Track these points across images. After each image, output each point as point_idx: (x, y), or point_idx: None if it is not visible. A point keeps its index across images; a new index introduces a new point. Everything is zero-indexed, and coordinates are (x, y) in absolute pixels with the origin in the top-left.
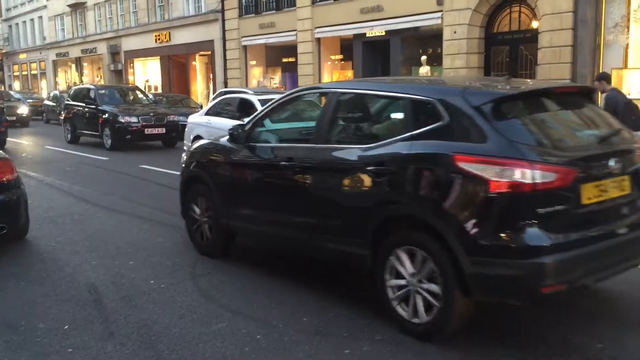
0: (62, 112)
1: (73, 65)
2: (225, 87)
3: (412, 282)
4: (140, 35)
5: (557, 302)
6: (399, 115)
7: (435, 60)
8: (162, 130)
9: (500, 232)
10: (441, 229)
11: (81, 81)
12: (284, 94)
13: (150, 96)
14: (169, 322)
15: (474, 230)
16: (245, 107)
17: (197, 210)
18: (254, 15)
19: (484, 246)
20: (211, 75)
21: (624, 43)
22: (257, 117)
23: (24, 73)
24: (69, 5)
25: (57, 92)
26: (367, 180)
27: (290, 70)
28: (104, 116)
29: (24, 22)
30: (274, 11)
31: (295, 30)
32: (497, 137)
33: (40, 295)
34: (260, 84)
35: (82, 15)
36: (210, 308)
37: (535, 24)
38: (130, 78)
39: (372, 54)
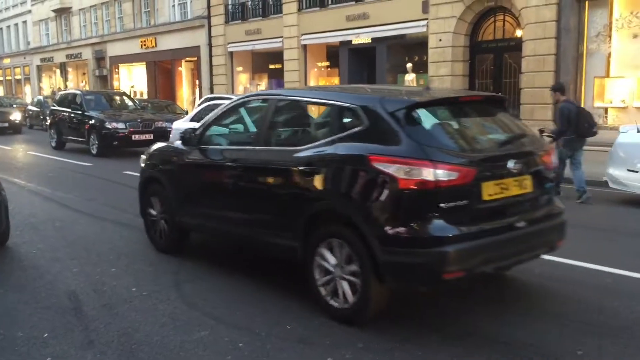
0: (46, 118)
1: (58, 71)
2: (212, 93)
3: (336, 271)
4: (126, 41)
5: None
6: (327, 120)
7: (421, 68)
8: (150, 137)
9: (408, 224)
10: (358, 222)
11: (66, 86)
12: (231, 101)
13: (137, 102)
14: (150, 330)
15: (386, 222)
16: None
17: (154, 209)
18: (240, 21)
19: (393, 237)
20: (197, 81)
21: (606, 52)
22: (207, 122)
23: (7, 78)
24: (53, 10)
25: (41, 98)
26: (298, 179)
27: (277, 77)
28: (90, 122)
29: (8, 26)
30: (260, 18)
31: (282, 37)
32: (408, 140)
33: (19, 302)
34: (247, 91)
35: (67, 20)
36: (193, 316)
37: (519, 33)
38: (116, 84)
39: (358, 61)
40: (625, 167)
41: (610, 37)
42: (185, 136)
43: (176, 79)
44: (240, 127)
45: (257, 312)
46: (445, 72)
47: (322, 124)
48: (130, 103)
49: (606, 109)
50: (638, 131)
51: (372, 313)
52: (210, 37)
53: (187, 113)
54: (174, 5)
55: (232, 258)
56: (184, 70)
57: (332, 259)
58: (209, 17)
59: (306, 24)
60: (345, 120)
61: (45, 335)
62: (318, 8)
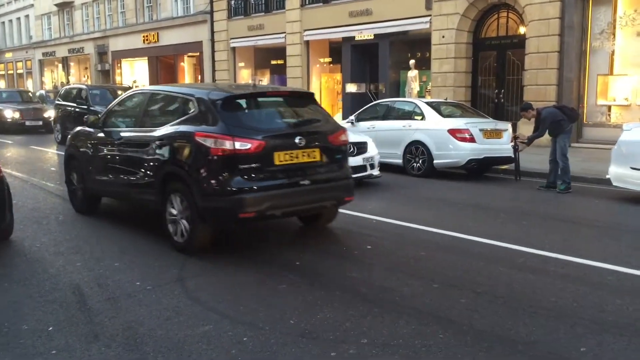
0: (46, 112)
1: (60, 65)
2: None
3: (178, 216)
4: (128, 36)
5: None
6: (176, 107)
7: (424, 64)
8: None
9: (217, 180)
10: (187, 179)
11: (68, 81)
12: (123, 94)
13: None
14: (154, 324)
15: (203, 179)
16: None
17: (74, 179)
18: (243, 17)
19: (208, 189)
20: (199, 76)
21: (609, 49)
22: (108, 110)
23: (9, 72)
24: (56, 5)
25: (43, 92)
26: (155, 151)
27: (279, 73)
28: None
29: (10, 20)
30: (263, 13)
31: (284, 32)
32: (221, 122)
33: (24, 296)
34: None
35: (70, 15)
36: (197, 310)
37: (522, 30)
38: (118, 79)
39: (360, 57)
40: (628, 165)
41: (614, 34)
42: (90, 121)
43: (178, 74)
44: (127, 113)
45: (261, 307)
46: (448, 69)
47: (174, 110)
48: None
49: (609, 107)
50: None
51: (198, 245)
52: (212, 32)
53: None
54: (176, 0)
55: (237, 254)
56: (186, 65)
57: (176, 207)
58: (211, 12)
59: (309, 19)
60: (186, 107)
61: (50, 328)
62: (321, 4)
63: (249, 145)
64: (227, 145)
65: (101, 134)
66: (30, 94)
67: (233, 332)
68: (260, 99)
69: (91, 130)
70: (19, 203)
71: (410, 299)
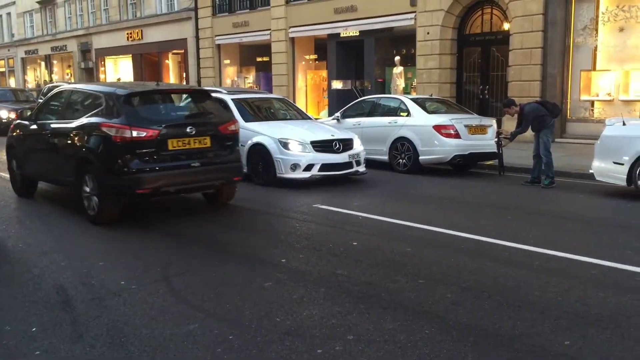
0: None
1: (42, 63)
2: (199, 86)
3: (90, 193)
4: (112, 33)
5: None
6: (91, 102)
7: (409, 61)
8: None
9: (119, 161)
10: (96, 162)
11: (51, 79)
12: (52, 91)
13: None
14: (139, 324)
15: (107, 161)
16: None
17: (14, 165)
18: (227, 14)
19: (111, 170)
20: (184, 74)
21: (592, 45)
22: (39, 104)
23: None
24: (38, 2)
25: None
26: (72, 139)
27: (265, 70)
28: None
29: None
30: (247, 10)
31: (269, 29)
32: (123, 114)
33: (7, 297)
34: (234, 83)
35: (52, 12)
36: (182, 309)
37: (506, 26)
38: (102, 77)
39: (346, 54)
40: (611, 160)
41: (596, 30)
42: (24, 114)
43: (163, 72)
44: (53, 107)
45: (246, 305)
46: (433, 65)
47: (88, 105)
48: None
49: (592, 102)
50: (624, 124)
51: (104, 218)
52: (197, 29)
53: None
54: None
55: (222, 252)
56: (170, 62)
57: (89, 186)
58: (196, 9)
59: (294, 16)
60: (97, 103)
61: (34, 329)
62: (306, 0)
63: (144, 134)
64: (127, 133)
65: (34, 126)
66: (27, 92)
67: (219, 330)
68: (159, 95)
69: (26, 122)
70: (1, 202)
71: (396, 294)
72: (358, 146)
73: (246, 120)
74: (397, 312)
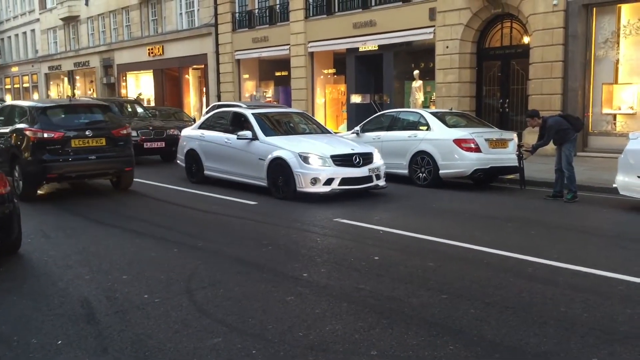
0: None
1: (65, 79)
2: (219, 100)
3: (18, 178)
4: (134, 49)
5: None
6: (21, 113)
7: (428, 75)
8: (162, 145)
9: (35, 155)
10: (20, 156)
11: (73, 94)
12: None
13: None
14: (163, 337)
15: (27, 155)
16: (238, 121)
17: None
18: (247, 29)
19: (30, 160)
20: (204, 88)
21: (614, 58)
22: None
23: (15, 86)
24: (61, 19)
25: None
26: (8, 139)
27: (283, 84)
28: None
29: (17, 35)
30: (267, 25)
31: (289, 44)
32: (40, 122)
33: (33, 310)
34: (253, 98)
35: (75, 29)
36: (206, 323)
37: (526, 40)
38: (123, 92)
39: (364, 68)
40: (635, 174)
41: (618, 43)
42: None
43: (183, 87)
44: (1, 117)
45: (269, 320)
46: (452, 79)
47: (19, 115)
48: (140, 110)
49: (615, 116)
50: None
51: (25, 195)
52: (217, 45)
53: (194, 120)
54: (181, 13)
55: (244, 265)
56: (191, 77)
57: (17, 173)
58: (216, 25)
59: (313, 31)
60: (25, 114)
61: (59, 342)
62: (325, 15)
63: (53, 135)
64: (39, 135)
65: None
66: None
67: (242, 344)
68: (68, 108)
69: None
70: (26, 217)
71: (419, 309)
72: (378, 160)
73: (266, 135)
74: (421, 328)
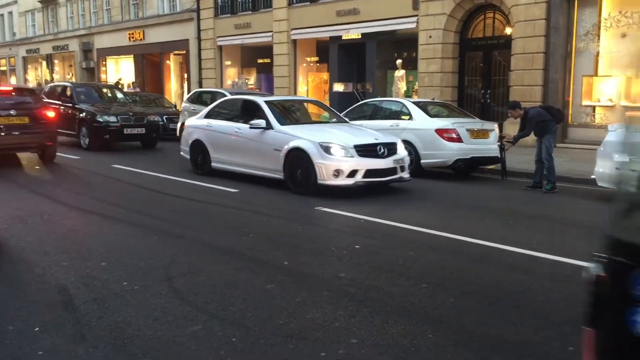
0: None
1: (44, 62)
2: (200, 87)
3: None
4: (114, 33)
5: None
6: None
7: (411, 64)
8: (142, 131)
9: None
10: None
11: (52, 79)
12: None
13: (128, 96)
14: (142, 325)
15: None
16: (249, 109)
17: None
18: (229, 15)
19: None
20: (185, 74)
21: (594, 50)
22: None
23: None
24: (40, 1)
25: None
26: None
27: (266, 71)
28: (81, 115)
29: None
30: (250, 12)
31: (271, 31)
32: None
33: (9, 296)
34: (235, 85)
35: (54, 12)
36: (186, 310)
37: (508, 31)
38: (103, 76)
39: (347, 57)
40: (613, 166)
41: (599, 36)
42: None
43: (164, 72)
44: None
45: (249, 308)
46: (435, 69)
47: None
48: (121, 96)
49: (594, 108)
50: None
51: None
52: (199, 30)
53: (175, 107)
54: None
55: (224, 253)
56: (172, 63)
57: None
58: (198, 10)
59: (296, 18)
60: None
61: (36, 329)
62: (308, 3)
63: None
64: None
65: None
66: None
67: (222, 332)
68: None
69: None
70: (2, 202)
71: (399, 298)
72: (402, 150)
73: (281, 124)
74: (400, 316)
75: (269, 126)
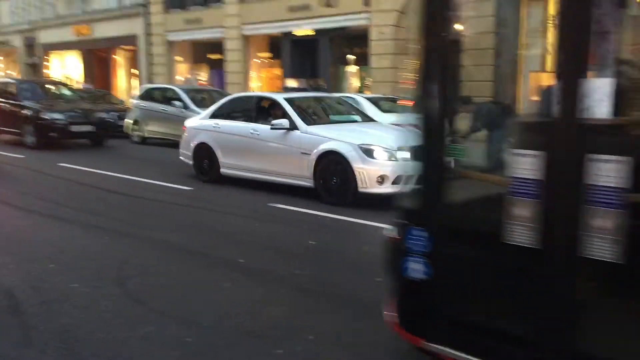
0: None
1: None
2: (150, 83)
3: None
4: (59, 28)
5: None
6: None
7: (363, 60)
8: (91, 128)
9: None
10: None
11: None
12: None
13: (76, 92)
14: (93, 327)
15: None
16: (264, 108)
17: None
18: (179, 10)
19: None
20: (135, 70)
21: (542, 47)
22: None
23: None
24: None
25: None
26: None
27: (217, 67)
28: (25, 112)
29: None
30: (200, 7)
31: (223, 26)
32: None
33: None
34: (187, 81)
35: None
36: (138, 311)
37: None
38: (46, 72)
39: (300, 53)
40: None
41: (546, 32)
42: None
43: (112, 69)
44: None
45: (205, 307)
46: (387, 65)
47: None
48: (68, 93)
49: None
50: None
51: None
52: (148, 25)
53: (122, 103)
54: None
55: (178, 252)
56: (120, 59)
57: None
58: (147, 4)
59: (248, 14)
60: None
61: None
62: None
63: None
64: None
65: None
66: None
67: (176, 332)
68: None
69: None
70: None
71: (355, 293)
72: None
73: (308, 124)
74: (357, 311)
75: (293, 126)
